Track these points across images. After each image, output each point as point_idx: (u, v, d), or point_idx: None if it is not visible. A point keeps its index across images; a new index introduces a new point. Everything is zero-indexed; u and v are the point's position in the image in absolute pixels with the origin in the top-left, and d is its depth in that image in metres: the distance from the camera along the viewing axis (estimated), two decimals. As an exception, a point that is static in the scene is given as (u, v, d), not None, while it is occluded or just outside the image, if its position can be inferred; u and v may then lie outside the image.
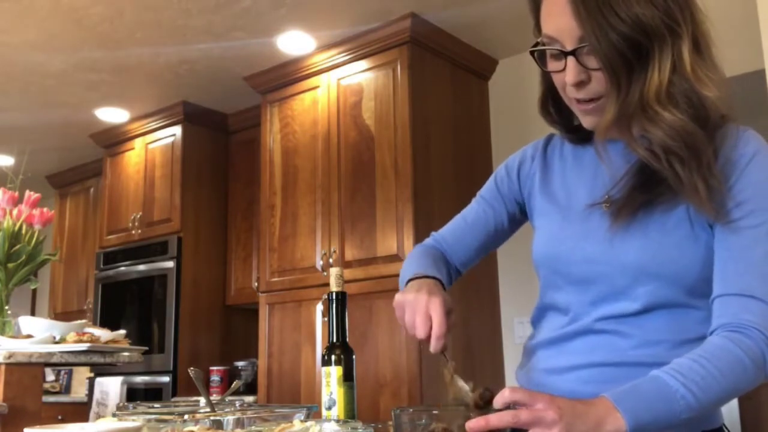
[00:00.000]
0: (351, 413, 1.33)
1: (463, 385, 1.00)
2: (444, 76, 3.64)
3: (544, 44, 1.06)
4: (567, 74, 1.03)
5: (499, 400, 0.88)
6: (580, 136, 1.18)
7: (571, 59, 1.02)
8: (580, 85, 1.03)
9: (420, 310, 1.03)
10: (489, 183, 1.31)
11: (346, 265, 3.43)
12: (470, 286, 3.51)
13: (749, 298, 0.97)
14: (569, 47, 1.01)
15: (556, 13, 1.02)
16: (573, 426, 0.84)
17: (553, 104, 1.17)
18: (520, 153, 1.29)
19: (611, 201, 1.08)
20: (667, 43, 0.99)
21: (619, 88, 1.00)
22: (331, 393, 1.33)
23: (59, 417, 4.52)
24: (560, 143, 1.24)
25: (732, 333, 0.96)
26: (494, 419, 0.85)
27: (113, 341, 2.10)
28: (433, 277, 1.14)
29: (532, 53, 1.08)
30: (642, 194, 1.04)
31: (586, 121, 1.08)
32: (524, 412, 0.85)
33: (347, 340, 1.39)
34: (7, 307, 2.17)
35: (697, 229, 1.03)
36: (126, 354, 2.13)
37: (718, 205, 1.00)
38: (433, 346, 1.01)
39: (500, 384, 3.50)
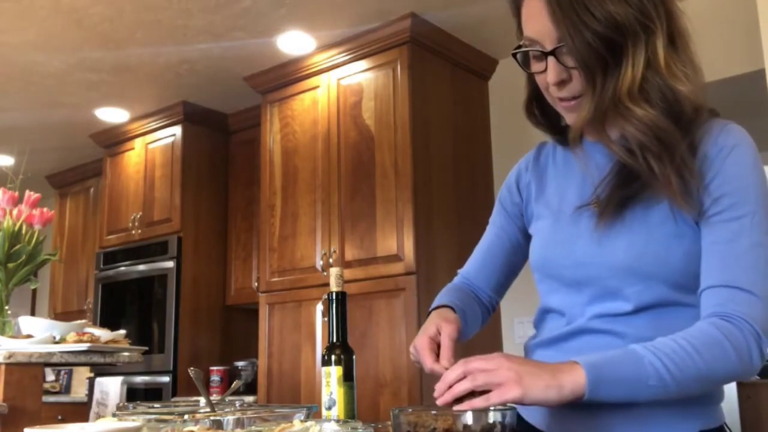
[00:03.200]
0: (351, 413, 1.33)
1: None
2: (444, 76, 3.64)
3: (526, 47, 1.08)
4: (548, 74, 1.05)
5: (456, 371, 0.92)
6: (563, 139, 1.19)
7: (551, 59, 1.04)
8: (561, 84, 1.05)
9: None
10: (495, 207, 1.34)
11: (346, 265, 3.43)
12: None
13: (735, 290, 0.97)
14: (549, 48, 1.03)
15: (534, 15, 1.04)
16: (529, 379, 0.89)
17: (537, 106, 1.20)
18: (515, 168, 1.32)
19: (599, 201, 1.09)
20: (641, 40, 1.01)
21: (594, 85, 1.02)
22: (331, 393, 1.33)
23: (59, 417, 4.52)
24: (553, 149, 1.26)
25: (719, 320, 0.96)
26: (458, 387, 0.90)
27: (113, 341, 2.10)
28: (445, 306, 1.20)
29: (514, 56, 1.10)
30: (623, 190, 1.05)
31: (569, 119, 1.10)
32: (480, 375, 0.89)
33: (347, 340, 1.39)
34: (7, 307, 2.17)
35: (682, 226, 1.03)
36: (126, 354, 2.13)
37: (699, 199, 1.01)
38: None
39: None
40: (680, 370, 0.92)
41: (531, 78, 1.15)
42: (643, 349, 0.93)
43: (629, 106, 1.01)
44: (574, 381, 0.90)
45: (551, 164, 1.24)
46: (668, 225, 1.03)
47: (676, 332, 1.03)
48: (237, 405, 1.30)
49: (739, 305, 0.96)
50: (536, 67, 1.08)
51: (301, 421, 1.02)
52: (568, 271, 1.11)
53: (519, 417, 1.17)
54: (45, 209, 2.29)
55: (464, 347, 1.14)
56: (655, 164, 1.01)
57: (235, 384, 1.54)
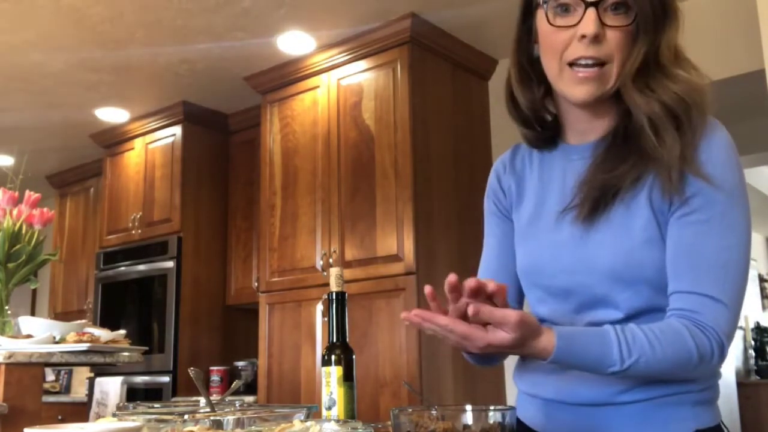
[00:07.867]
0: (351, 413, 1.33)
1: None
2: (444, 76, 3.64)
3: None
4: (584, 25, 1.01)
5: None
6: (539, 136, 1.18)
7: (591, 11, 1.00)
8: (596, 39, 1.01)
9: None
10: (486, 219, 1.29)
11: (346, 265, 3.43)
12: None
13: (704, 297, 0.99)
14: None
15: None
16: (523, 335, 0.91)
17: (525, 78, 1.15)
18: (492, 172, 1.28)
19: (581, 200, 1.07)
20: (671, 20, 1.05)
21: (636, 43, 1.02)
22: (331, 393, 1.33)
23: (59, 417, 4.52)
24: (528, 153, 1.23)
25: (691, 325, 0.98)
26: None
27: (113, 341, 2.10)
28: None
29: (537, 6, 1.07)
30: (603, 174, 1.04)
31: (580, 91, 1.05)
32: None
33: (347, 340, 1.39)
34: (7, 307, 2.17)
35: (664, 230, 1.03)
36: (126, 354, 2.12)
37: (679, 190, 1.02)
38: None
39: (500, 383, 3.50)
40: (641, 352, 0.95)
41: (522, 55, 1.13)
42: (610, 327, 0.97)
43: (672, 69, 1.03)
44: (547, 341, 0.93)
45: (528, 168, 1.21)
46: (651, 229, 1.02)
47: None
48: (237, 405, 1.30)
49: (708, 313, 0.98)
50: (563, 21, 1.03)
51: (301, 421, 1.02)
52: (554, 280, 1.10)
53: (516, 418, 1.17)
54: (45, 209, 2.29)
55: (465, 366, 1.12)
56: (670, 133, 1.01)
57: (235, 384, 1.54)
